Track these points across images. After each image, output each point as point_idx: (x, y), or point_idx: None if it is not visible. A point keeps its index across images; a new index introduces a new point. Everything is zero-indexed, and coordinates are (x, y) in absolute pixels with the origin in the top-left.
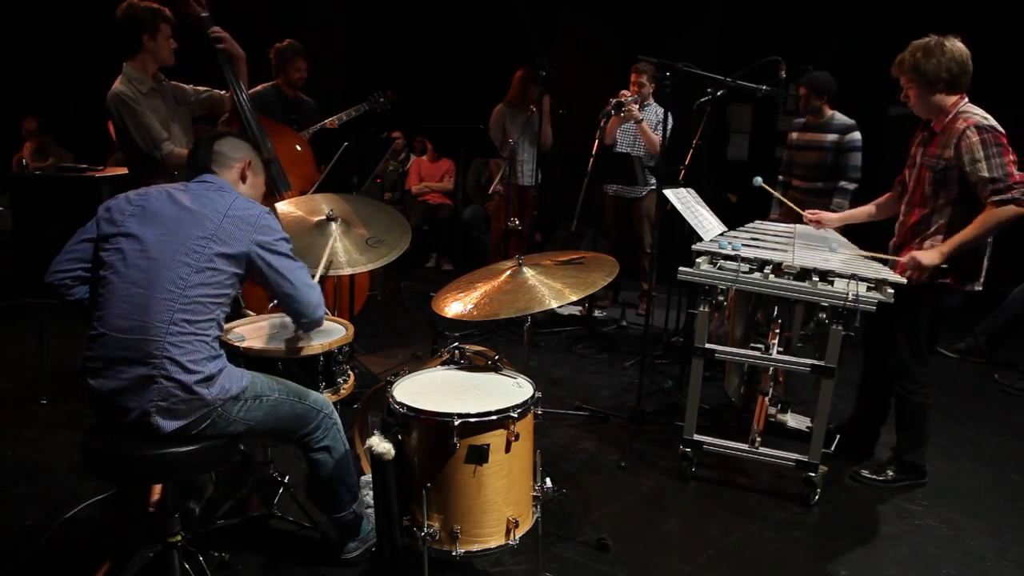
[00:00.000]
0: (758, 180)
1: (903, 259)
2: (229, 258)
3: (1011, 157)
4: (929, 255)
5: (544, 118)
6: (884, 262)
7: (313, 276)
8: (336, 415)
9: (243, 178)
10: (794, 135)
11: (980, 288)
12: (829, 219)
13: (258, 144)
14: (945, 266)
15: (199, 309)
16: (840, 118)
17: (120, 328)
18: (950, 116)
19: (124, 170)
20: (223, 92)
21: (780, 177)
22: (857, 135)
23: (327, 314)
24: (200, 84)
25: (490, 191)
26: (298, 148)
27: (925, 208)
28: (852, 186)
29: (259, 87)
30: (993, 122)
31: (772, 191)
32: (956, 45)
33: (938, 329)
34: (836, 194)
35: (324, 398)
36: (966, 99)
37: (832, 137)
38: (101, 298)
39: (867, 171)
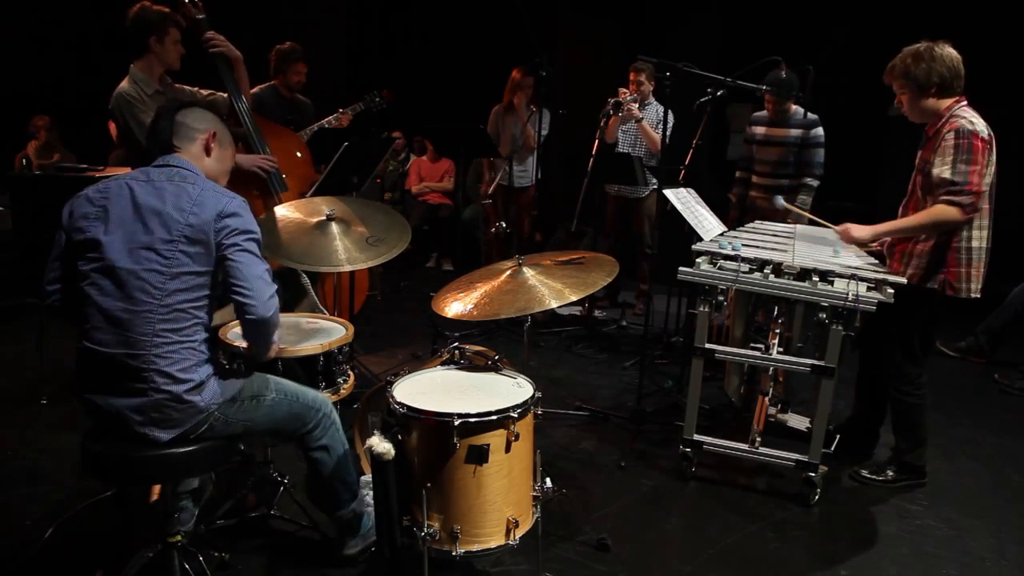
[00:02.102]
0: (779, 200)
1: (838, 228)
2: (199, 256)
3: (978, 167)
4: (861, 229)
5: (520, 118)
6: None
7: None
8: (335, 414)
9: (207, 151)
10: (757, 130)
11: (977, 295)
12: (861, 235)
13: (256, 150)
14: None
15: (181, 317)
16: (802, 113)
17: (104, 343)
18: (943, 120)
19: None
20: (224, 94)
21: (738, 173)
22: (821, 131)
23: (278, 333)
24: (196, 86)
25: (481, 191)
26: (296, 149)
27: (918, 211)
28: (816, 182)
29: (256, 88)
30: (980, 127)
31: (795, 209)
32: (947, 50)
33: (933, 332)
34: (802, 191)
35: (323, 397)
36: (963, 102)
37: (797, 132)
38: (85, 312)
39: (868, 172)
